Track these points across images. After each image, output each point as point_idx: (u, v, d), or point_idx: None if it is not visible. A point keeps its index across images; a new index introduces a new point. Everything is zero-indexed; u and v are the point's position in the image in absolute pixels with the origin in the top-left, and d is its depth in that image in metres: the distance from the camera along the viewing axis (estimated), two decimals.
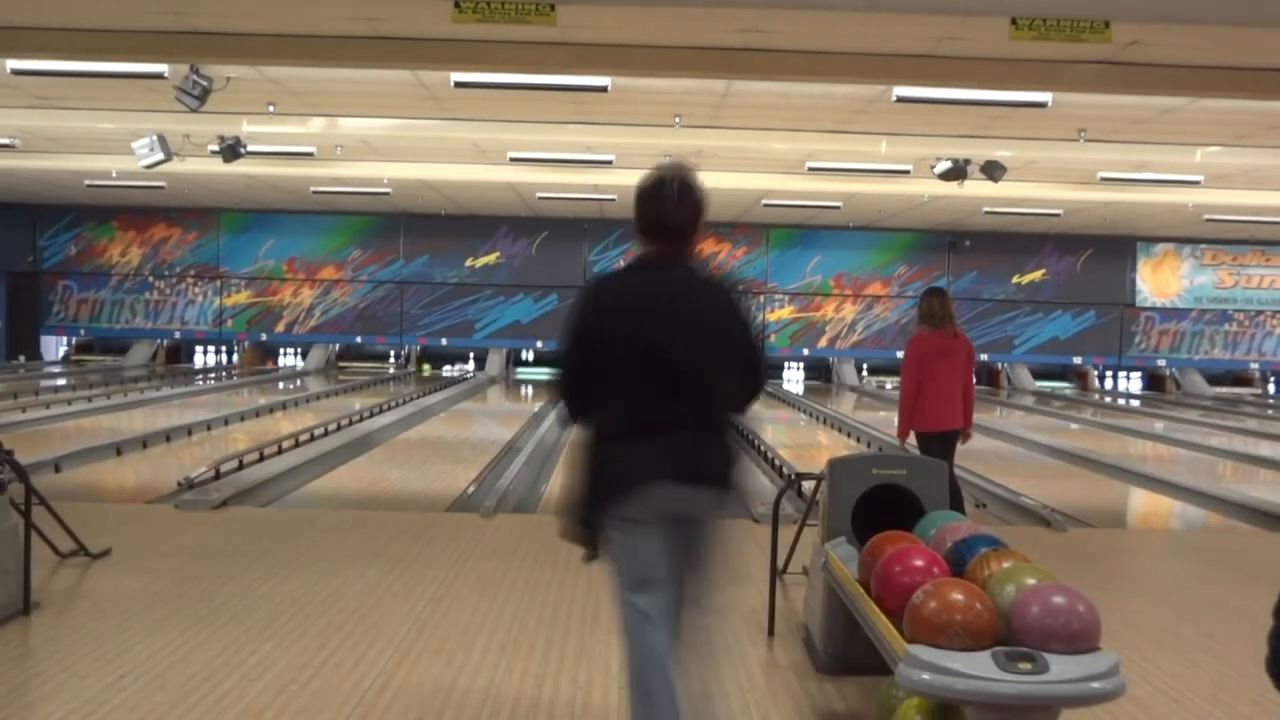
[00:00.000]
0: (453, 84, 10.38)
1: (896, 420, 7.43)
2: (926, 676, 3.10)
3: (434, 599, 5.63)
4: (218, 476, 9.19)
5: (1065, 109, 10.84)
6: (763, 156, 15.03)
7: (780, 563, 5.51)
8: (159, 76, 10.21)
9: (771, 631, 5.14)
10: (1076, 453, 12.86)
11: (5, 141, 15.33)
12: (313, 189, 19.54)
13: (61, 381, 19.11)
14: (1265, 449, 14.26)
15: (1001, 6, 7.66)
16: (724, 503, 3.33)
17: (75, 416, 13.94)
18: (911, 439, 7.29)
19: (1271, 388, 25.40)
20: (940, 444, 7.03)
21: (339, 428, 13.22)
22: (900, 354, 7.90)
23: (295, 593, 5.65)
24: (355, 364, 25.23)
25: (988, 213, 19.92)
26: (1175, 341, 24.73)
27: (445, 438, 14.02)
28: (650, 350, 3.22)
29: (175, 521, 7.48)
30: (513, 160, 15.90)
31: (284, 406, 16.46)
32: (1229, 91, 9.64)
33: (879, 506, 4.57)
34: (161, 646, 4.71)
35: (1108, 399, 23.79)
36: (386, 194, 20.04)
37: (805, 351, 24.74)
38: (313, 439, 12.15)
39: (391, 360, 25.40)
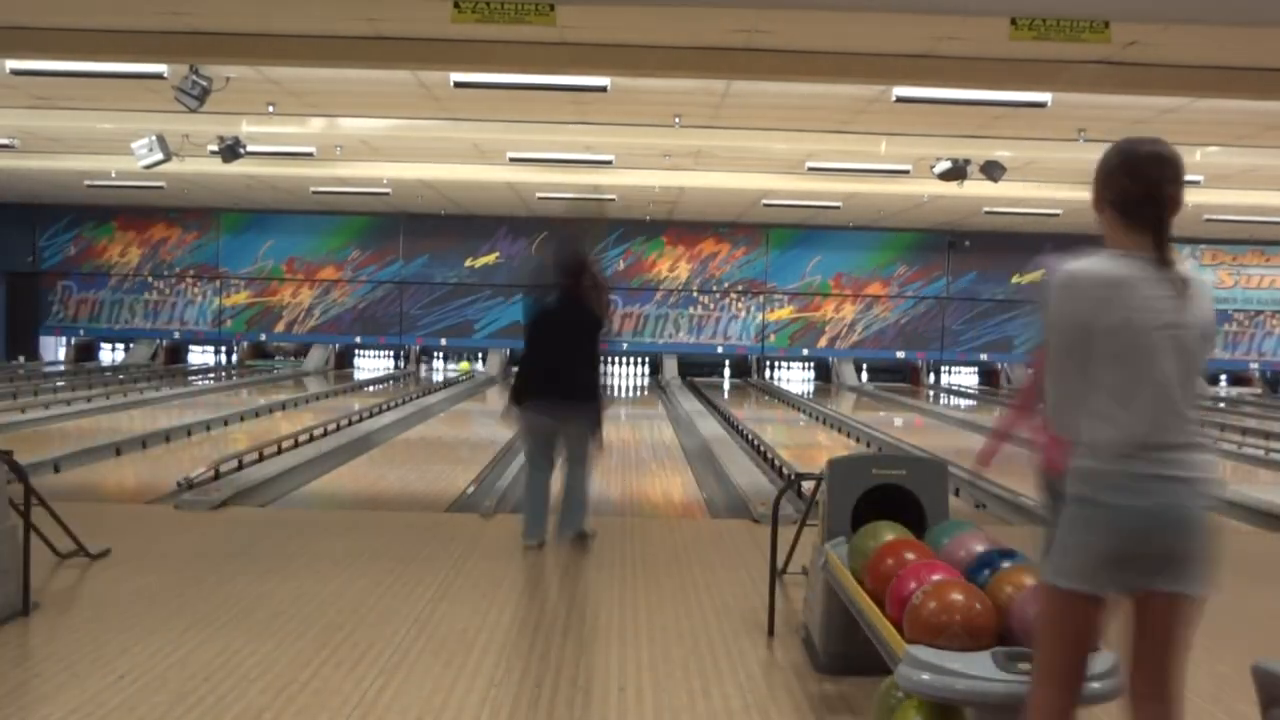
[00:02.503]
0: (452, 84, 10.38)
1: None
2: (926, 677, 3.10)
3: (434, 599, 5.62)
4: (217, 477, 9.19)
5: (1065, 109, 10.83)
6: (763, 156, 15.03)
7: (780, 563, 5.50)
8: (159, 76, 10.21)
9: (771, 631, 5.13)
10: None
11: (5, 141, 15.31)
12: (312, 189, 19.53)
13: (61, 382, 19.10)
14: (1265, 448, 14.25)
15: (1001, 6, 7.65)
16: None
17: (74, 417, 13.93)
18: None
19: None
20: None
21: (339, 428, 13.22)
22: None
23: (295, 593, 5.64)
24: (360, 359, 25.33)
25: (988, 213, 19.91)
26: None
27: (445, 438, 14.02)
28: None
29: (175, 522, 7.48)
30: (512, 160, 15.89)
31: (284, 407, 16.46)
32: (1229, 91, 9.64)
33: (879, 507, 4.57)
34: (161, 646, 4.71)
35: None
36: (386, 194, 20.03)
37: (805, 351, 24.73)
38: (312, 439, 12.15)
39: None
